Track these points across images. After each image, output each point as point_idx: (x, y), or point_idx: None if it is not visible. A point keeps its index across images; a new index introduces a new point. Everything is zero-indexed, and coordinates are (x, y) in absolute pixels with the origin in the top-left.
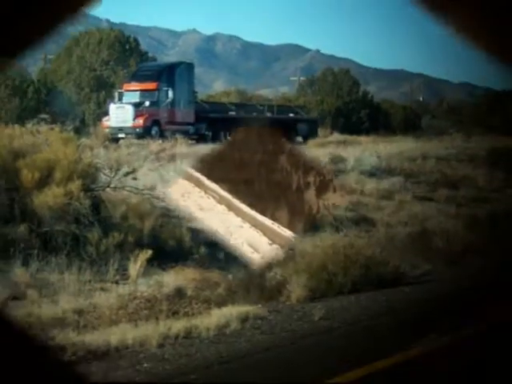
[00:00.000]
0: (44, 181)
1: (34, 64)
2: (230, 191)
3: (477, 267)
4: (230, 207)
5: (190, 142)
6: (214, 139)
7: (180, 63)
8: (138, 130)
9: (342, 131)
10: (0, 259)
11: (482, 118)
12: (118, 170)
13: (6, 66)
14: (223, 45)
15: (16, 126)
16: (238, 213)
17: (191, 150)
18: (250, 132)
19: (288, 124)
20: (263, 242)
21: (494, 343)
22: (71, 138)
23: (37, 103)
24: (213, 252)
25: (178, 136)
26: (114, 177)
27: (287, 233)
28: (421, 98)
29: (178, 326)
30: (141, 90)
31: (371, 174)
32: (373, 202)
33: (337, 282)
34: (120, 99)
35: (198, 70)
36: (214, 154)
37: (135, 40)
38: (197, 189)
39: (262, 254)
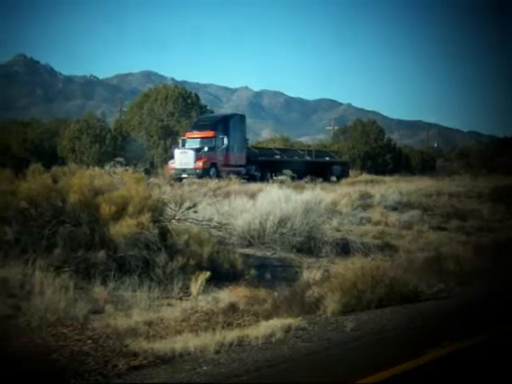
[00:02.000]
0: (119, 214)
1: (111, 116)
2: None
3: (483, 286)
4: None
5: (242, 181)
6: (263, 179)
7: (234, 115)
8: (198, 171)
9: (370, 172)
10: (83, 279)
11: (487, 161)
12: (181, 204)
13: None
14: (269, 99)
15: (96, 167)
16: None
17: (243, 187)
18: None
19: (324, 166)
20: None
21: (496, 350)
22: (142, 178)
23: (113, 149)
24: (261, 274)
25: (231, 176)
26: (178, 210)
27: None
28: (435, 145)
29: (232, 335)
30: (201, 138)
31: (394, 207)
32: (395, 232)
33: (365, 299)
34: (183, 145)
35: (248, 121)
36: None
37: (196, 95)
38: None
39: None
